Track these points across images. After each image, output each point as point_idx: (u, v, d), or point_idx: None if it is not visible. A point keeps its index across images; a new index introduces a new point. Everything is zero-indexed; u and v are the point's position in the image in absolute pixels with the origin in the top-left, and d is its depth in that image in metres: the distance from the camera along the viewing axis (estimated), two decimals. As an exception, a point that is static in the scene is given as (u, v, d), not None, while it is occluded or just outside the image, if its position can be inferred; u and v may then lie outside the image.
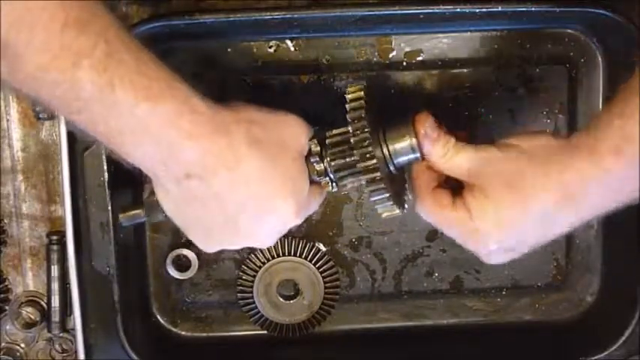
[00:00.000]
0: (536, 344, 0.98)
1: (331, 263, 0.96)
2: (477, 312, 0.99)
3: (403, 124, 0.74)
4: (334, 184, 0.75)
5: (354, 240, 0.97)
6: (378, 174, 0.70)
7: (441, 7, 0.83)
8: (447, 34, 0.90)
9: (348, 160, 0.72)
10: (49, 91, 0.55)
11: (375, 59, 0.90)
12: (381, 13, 0.84)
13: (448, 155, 0.72)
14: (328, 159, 0.73)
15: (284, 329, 0.97)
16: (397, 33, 0.89)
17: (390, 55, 0.90)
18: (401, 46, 0.90)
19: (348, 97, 0.72)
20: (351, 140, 0.71)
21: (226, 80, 0.90)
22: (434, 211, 0.74)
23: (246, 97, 0.90)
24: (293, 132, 0.71)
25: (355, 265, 0.97)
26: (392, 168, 0.75)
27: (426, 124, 0.72)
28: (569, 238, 0.97)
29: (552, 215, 0.68)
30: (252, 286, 0.96)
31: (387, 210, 0.74)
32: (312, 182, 0.74)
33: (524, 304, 0.99)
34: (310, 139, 0.73)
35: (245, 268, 0.96)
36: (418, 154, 0.73)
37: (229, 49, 0.89)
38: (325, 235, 0.96)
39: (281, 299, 0.97)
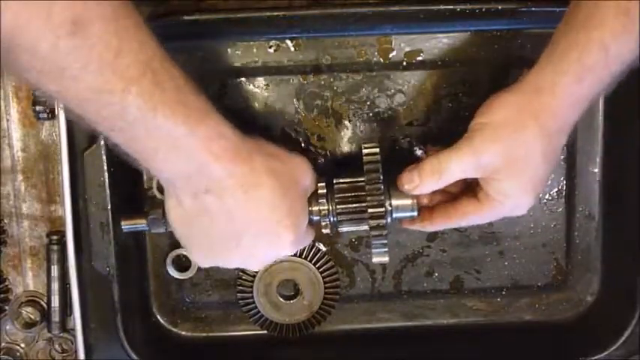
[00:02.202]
0: (536, 344, 0.98)
1: (331, 263, 0.96)
2: (477, 312, 0.99)
3: None
4: (330, 226, 0.81)
5: (354, 240, 0.97)
6: (384, 221, 0.77)
7: (441, 6, 0.83)
8: (447, 34, 0.90)
9: (353, 207, 0.79)
10: (97, 110, 0.59)
11: (375, 59, 0.90)
12: (381, 12, 0.84)
13: (441, 175, 0.76)
14: (335, 203, 0.80)
15: (284, 329, 0.97)
16: (397, 33, 0.89)
17: (390, 55, 0.90)
18: (401, 46, 0.90)
19: (365, 151, 0.79)
20: (366, 187, 0.78)
21: (226, 80, 0.90)
22: (469, 220, 0.81)
23: (246, 97, 0.90)
24: (302, 172, 0.76)
25: (355, 265, 0.97)
26: (388, 220, 0.80)
27: (403, 182, 0.78)
28: (569, 238, 0.97)
29: (548, 156, 0.74)
30: (252, 286, 0.96)
31: (381, 256, 0.80)
32: (309, 222, 0.79)
33: (524, 304, 0.99)
34: (319, 182, 0.80)
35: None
36: (415, 213, 0.81)
37: (229, 49, 0.89)
38: (325, 235, 0.96)
39: (281, 299, 0.97)
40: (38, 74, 0.56)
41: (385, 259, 0.80)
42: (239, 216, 0.70)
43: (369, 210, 0.77)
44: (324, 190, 0.80)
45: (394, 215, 0.80)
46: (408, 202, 0.80)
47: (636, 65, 0.69)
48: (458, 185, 0.81)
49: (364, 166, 0.79)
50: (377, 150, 0.79)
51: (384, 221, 0.77)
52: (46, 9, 0.52)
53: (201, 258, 0.77)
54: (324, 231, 0.81)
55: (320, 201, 0.80)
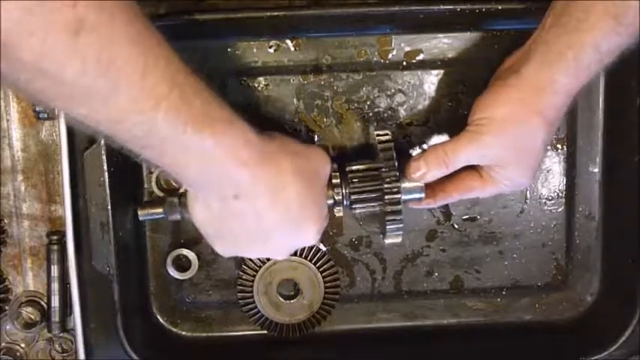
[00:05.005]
0: (536, 344, 0.98)
1: (331, 263, 0.96)
2: (477, 312, 0.99)
3: None
4: (342, 210, 0.84)
5: (354, 240, 0.97)
6: (400, 206, 0.81)
7: (441, 6, 0.83)
8: (447, 34, 0.90)
9: (366, 191, 0.83)
10: (128, 130, 0.60)
11: (375, 59, 0.90)
12: (381, 12, 0.84)
13: (449, 166, 0.81)
14: (349, 187, 0.83)
15: (284, 329, 0.97)
16: (397, 33, 0.89)
17: (390, 55, 0.90)
18: (401, 46, 0.90)
19: (379, 138, 0.82)
20: (382, 174, 0.81)
21: (226, 80, 0.90)
22: (472, 195, 0.86)
23: (246, 97, 0.90)
24: (322, 163, 0.79)
25: (355, 264, 0.97)
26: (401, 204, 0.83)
27: (411, 172, 0.82)
28: (569, 238, 0.97)
29: (547, 141, 0.79)
30: (252, 286, 0.96)
31: (395, 237, 0.84)
32: None
33: (524, 304, 0.99)
34: (333, 171, 0.82)
35: (245, 267, 0.96)
36: (422, 195, 0.84)
37: (229, 49, 0.89)
38: (325, 234, 0.96)
39: (281, 299, 0.97)
40: (67, 100, 0.56)
41: (398, 239, 0.84)
42: (268, 217, 0.72)
43: (386, 196, 0.81)
44: (339, 180, 0.83)
45: (403, 198, 0.83)
46: (416, 185, 0.84)
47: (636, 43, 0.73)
48: None
49: (380, 153, 0.82)
50: (390, 137, 0.83)
51: (400, 206, 0.81)
52: (73, 34, 0.51)
53: (225, 251, 0.79)
54: (338, 214, 0.84)
55: (335, 187, 0.83)
